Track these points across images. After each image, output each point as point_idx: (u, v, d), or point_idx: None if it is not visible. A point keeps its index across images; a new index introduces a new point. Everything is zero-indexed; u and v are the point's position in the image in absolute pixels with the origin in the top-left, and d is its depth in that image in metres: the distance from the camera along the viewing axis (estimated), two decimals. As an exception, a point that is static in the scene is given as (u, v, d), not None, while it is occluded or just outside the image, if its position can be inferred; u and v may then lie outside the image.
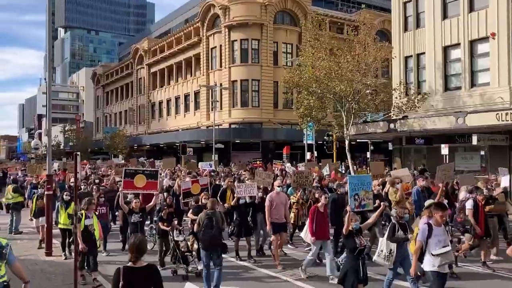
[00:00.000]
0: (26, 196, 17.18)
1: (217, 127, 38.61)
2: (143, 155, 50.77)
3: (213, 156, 34.94)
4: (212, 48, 46.71)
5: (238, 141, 41.28)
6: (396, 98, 25.08)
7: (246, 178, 16.73)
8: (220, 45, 44.90)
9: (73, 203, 9.97)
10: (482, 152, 23.19)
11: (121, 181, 14.96)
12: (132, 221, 9.76)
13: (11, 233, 14.62)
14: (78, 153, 8.68)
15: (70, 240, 11.12)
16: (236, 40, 43.64)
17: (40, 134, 41.15)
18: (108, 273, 9.36)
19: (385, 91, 25.74)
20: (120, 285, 4.66)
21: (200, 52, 48.23)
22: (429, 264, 6.74)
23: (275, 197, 10.77)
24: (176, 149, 39.87)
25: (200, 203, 10.74)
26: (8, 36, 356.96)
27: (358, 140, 31.68)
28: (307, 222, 9.91)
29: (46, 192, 12.09)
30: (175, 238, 10.07)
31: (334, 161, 25.92)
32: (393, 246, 7.85)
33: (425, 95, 23.91)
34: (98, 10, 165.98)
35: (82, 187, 13.74)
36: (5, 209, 15.42)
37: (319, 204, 9.83)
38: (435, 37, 24.82)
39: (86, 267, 9.35)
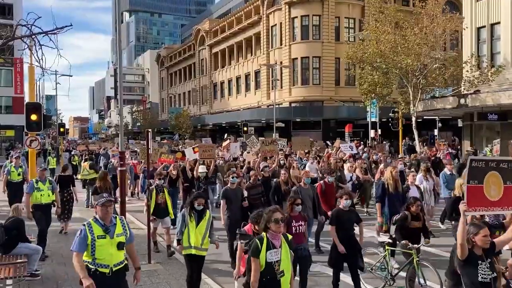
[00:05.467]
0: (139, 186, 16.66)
1: (277, 106, 38.61)
2: (206, 134, 52.00)
3: (273, 135, 35.07)
4: (272, 26, 46.42)
5: (299, 119, 41.09)
6: (467, 71, 23.80)
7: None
8: (280, 23, 44.49)
9: (208, 212, 6.75)
10: None
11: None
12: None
13: (88, 207, 15.57)
14: (149, 130, 8.80)
15: None
16: (296, 17, 43.02)
17: (111, 113, 42.94)
18: None
19: (454, 64, 24.52)
20: None
21: (260, 31, 48.11)
22: None
23: None
24: (238, 128, 40.45)
25: None
26: (80, 23, 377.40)
27: (425, 117, 30.47)
28: None
29: (119, 168, 12.24)
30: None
31: (400, 139, 25.17)
32: None
33: (500, 68, 22.48)
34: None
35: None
36: (82, 185, 16.49)
37: None
38: (512, 5, 23.09)
39: None
